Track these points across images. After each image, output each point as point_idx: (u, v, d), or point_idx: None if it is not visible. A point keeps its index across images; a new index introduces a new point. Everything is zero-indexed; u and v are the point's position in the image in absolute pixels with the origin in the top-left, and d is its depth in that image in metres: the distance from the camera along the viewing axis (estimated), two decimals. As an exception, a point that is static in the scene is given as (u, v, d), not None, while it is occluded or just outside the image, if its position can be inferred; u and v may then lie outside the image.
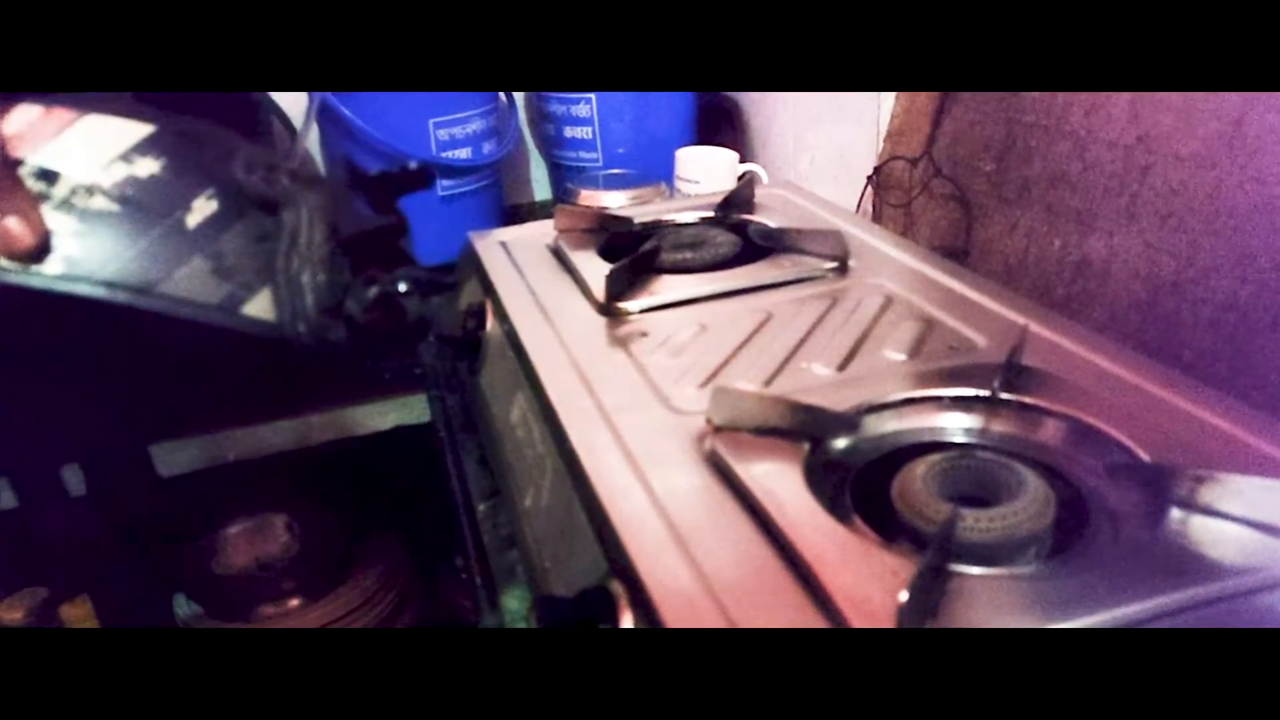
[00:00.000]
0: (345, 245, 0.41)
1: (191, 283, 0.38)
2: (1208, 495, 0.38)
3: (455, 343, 0.74)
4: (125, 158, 0.38)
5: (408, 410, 0.99)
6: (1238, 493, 0.37)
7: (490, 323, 0.72)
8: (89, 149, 0.38)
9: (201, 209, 0.39)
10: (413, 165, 0.44)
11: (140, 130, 0.39)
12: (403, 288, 0.43)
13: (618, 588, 0.40)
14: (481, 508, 0.65)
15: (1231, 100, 0.53)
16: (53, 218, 0.37)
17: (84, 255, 0.37)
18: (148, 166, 0.38)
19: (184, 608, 1.11)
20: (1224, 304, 0.54)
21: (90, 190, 0.37)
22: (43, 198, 0.37)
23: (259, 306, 0.40)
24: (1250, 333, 0.53)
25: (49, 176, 0.37)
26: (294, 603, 1.10)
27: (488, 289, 0.73)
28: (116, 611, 1.00)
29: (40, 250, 0.36)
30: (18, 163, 0.36)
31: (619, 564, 0.40)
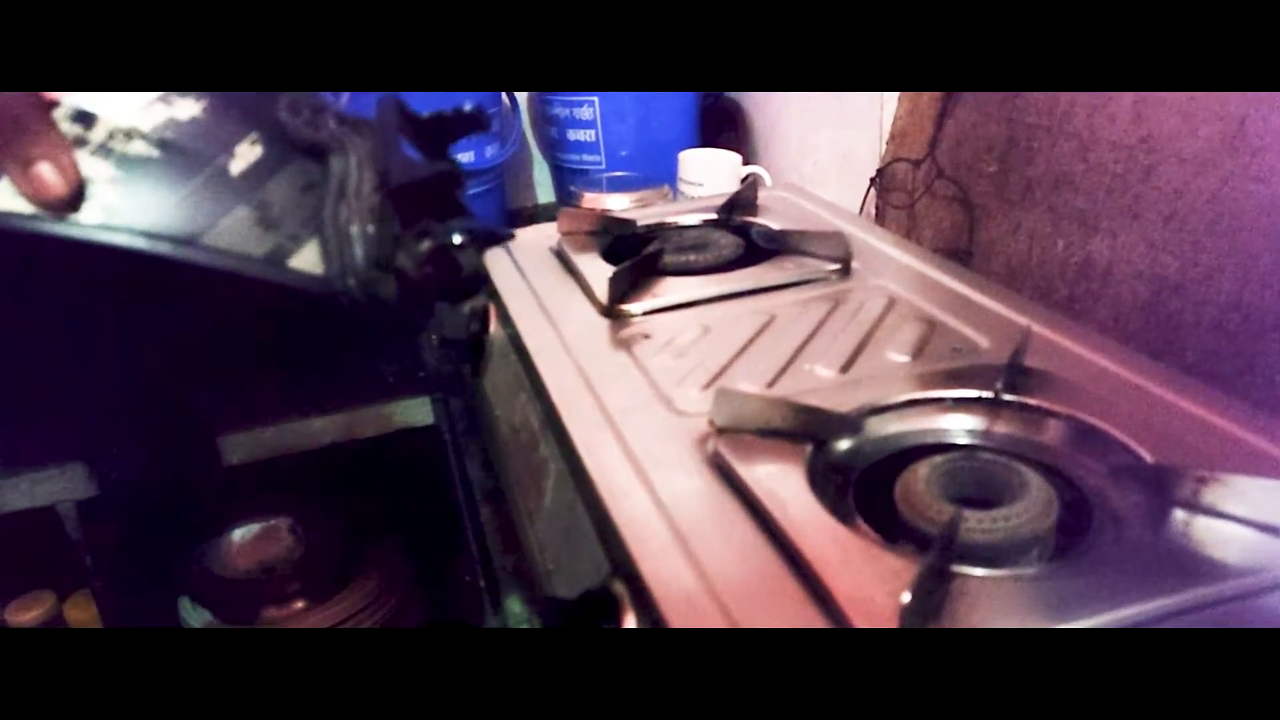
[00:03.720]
0: (396, 194, 0.39)
1: (235, 234, 0.36)
2: (1211, 496, 0.38)
3: (458, 345, 0.75)
4: (164, 98, 0.37)
5: (411, 413, 0.99)
6: (1241, 494, 0.38)
7: (493, 325, 0.72)
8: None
9: (245, 155, 0.37)
10: (467, 107, 0.42)
11: None
12: (457, 240, 0.41)
13: (620, 589, 0.40)
14: (485, 510, 0.65)
15: (1234, 101, 0.54)
16: (89, 163, 0.35)
17: (122, 204, 0.35)
18: (188, 108, 0.36)
19: (189, 610, 1.11)
20: (1227, 305, 0.54)
21: (129, 134, 0.35)
22: (79, 142, 0.35)
23: (306, 259, 0.38)
24: (1253, 334, 0.53)
25: (85, 119, 0.35)
26: (298, 605, 1.11)
27: (491, 292, 0.74)
28: (121, 614, 1.00)
29: (75, 198, 0.34)
30: (53, 104, 0.34)
31: (621, 565, 0.40)
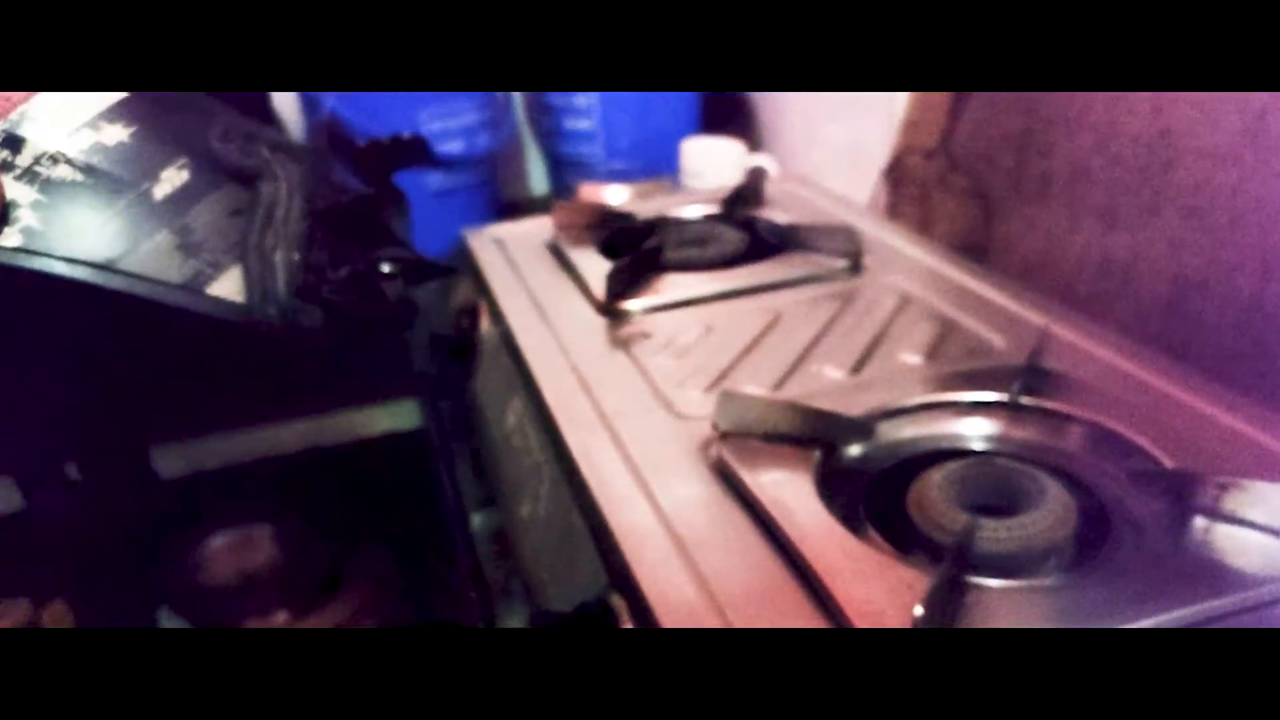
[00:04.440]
0: (323, 218, 0.40)
1: (155, 259, 0.38)
2: (1232, 503, 0.39)
3: (448, 345, 0.75)
4: (93, 124, 0.38)
5: (398, 416, 0.99)
6: (1263, 500, 0.38)
7: (485, 324, 0.72)
8: (57, 114, 0.38)
9: (171, 179, 0.39)
10: (407, 135, 0.43)
11: (112, 94, 0.39)
12: (386, 269, 0.42)
13: (618, 601, 0.40)
14: (476, 518, 0.65)
15: (1255, 94, 0.54)
16: (13, 187, 0.37)
17: (44, 228, 0.37)
18: (116, 134, 0.38)
19: (168, 620, 1.12)
20: (1248, 304, 0.55)
21: (55, 159, 0.37)
22: (5, 165, 0.37)
23: (227, 286, 0.39)
24: (1275, 334, 0.54)
25: (13, 143, 0.37)
26: (280, 617, 1.11)
27: (482, 288, 0.74)
28: (99, 623, 1.01)
29: None
30: None
31: (620, 577, 0.41)
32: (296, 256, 0.40)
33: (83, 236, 0.37)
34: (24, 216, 0.36)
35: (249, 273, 0.40)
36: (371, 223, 0.44)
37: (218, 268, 0.40)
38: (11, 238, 0.36)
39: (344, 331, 0.43)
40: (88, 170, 0.38)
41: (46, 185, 0.37)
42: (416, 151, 0.44)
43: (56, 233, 0.37)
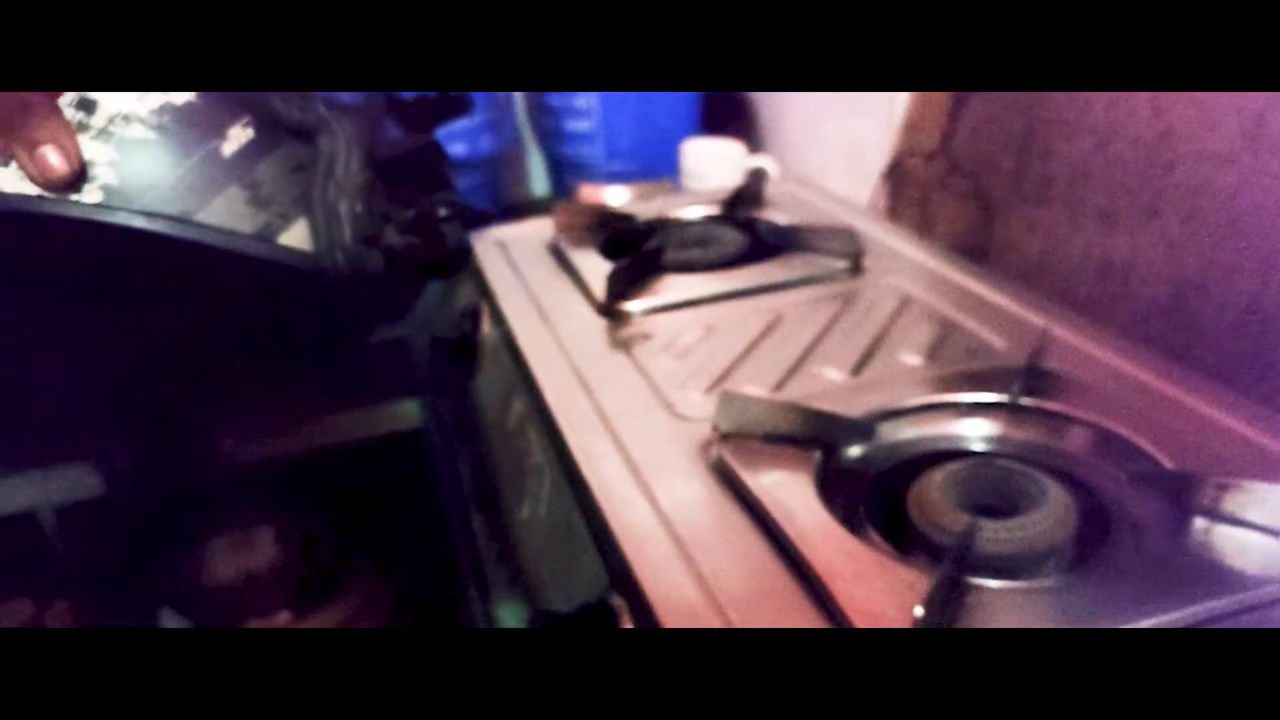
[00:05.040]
0: (382, 169, 0.42)
1: (228, 211, 0.40)
2: (1231, 503, 0.39)
3: (450, 345, 0.75)
4: None
5: (400, 417, 1.00)
6: (1262, 501, 0.38)
7: (486, 325, 0.72)
8: None
9: (237, 137, 0.41)
10: (451, 93, 0.46)
11: None
12: (443, 212, 0.45)
13: (619, 602, 0.40)
14: (477, 518, 0.65)
15: (1254, 96, 0.54)
16: (90, 147, 0.39)
17: (121, 184, 0.39)
18: (184, 94, 0.40)
19: (170, 620, 1.12)
20: (1247, 306, 0.55)
21: (128, 119, 0.39)
22: (81, 127, 0.39)
23: (295, 236, 0.42)
24: (1273, 336, 0.54)
25: (87, 105, 0.39)
26: (282, 617, 1.11)
27: (484, 290, 0.74)
28: (101, 623, 1.01)
29: (77, 179, 0.38)
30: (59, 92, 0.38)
31: (620, 577, 0.41)
32: (359, 206, 0.42)
33: (158, 192, 0.40)
34: (102, 174, 0.39)
35: (315, 223, 0.42)
36: (428, 171, 0.46)
37: (286, 219, 0.42)
38: (92, 194, 0.38)
39: (404, 275, 0.45)
40: (159, 129, 0.40)
41: (121, 144, 0.39)
42: (458, 106, 0.47)
43: (133, 189, 0.39)
